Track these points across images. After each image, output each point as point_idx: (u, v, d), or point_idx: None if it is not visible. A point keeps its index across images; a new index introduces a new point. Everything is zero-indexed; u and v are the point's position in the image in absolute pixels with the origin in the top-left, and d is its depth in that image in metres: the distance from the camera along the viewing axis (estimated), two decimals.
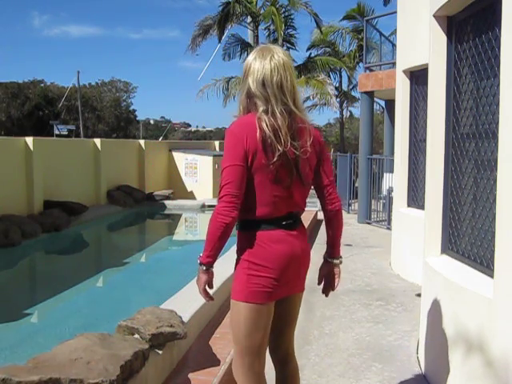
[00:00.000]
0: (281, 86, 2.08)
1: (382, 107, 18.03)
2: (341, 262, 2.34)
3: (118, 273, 6.61)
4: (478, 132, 3.05)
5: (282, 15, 16.06)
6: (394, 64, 8.49)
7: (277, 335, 2.29)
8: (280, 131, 2.04)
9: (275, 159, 2.02)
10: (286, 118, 2.07)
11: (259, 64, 2.10)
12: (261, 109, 2.08)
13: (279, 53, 2.13)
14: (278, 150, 2.02)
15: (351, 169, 11.50)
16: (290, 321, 2.30)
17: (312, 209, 8.96)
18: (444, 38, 3.39)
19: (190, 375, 2.99)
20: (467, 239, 3.17)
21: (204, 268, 2.09)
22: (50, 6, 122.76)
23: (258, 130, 2.04)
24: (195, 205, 11.81)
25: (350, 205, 11.60)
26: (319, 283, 2.37)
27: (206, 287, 2.13)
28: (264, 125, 2.04)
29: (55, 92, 39.95)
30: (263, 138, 2.03)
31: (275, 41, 16.32)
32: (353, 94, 21.45)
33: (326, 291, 2.38)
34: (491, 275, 2.64)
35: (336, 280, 2.32)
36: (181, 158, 13.80)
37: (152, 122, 69.46)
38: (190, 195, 13.47)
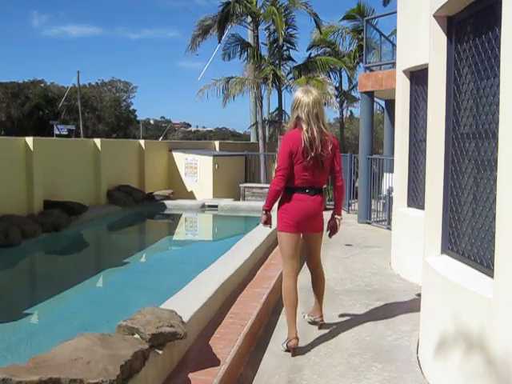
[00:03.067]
0: (316, 115, 3.65)
1: (382, 107, 18.01)
2: (341, 219, 3.98)
3: (118, 273, 6.61)
4: (478, 132, 3.05)
5: (283, 15, 16.01)
6: (393, 64, 8.49)
7: (309, 255, 4.06)
8: (315, 141, 3.60)
9: (307, 160, 3.61)
10: (319, 133, 3.63)
11: (306, 100, 3.64)
12: (304, 128, 3.62)
13: (315, 93, 3.73)
14: (310, 154, 3.60)
15: (351, 169, 11.49)
16: (312, 248, 4.01)
17: None
18: (444, 37, 3.39)
19: (190, 375, 2.99)
20: (467, 239, 3.17)
21: (264, 212, 3.85)
22: (49, 6, 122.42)
23: (301, 141, 3.59)
24: (195, 205, 11.80)
25: (350, 205, 11.59)
26: (327, 230, 4.01)
27: (264, 224, 3.94)
28: (305, 138, 3.59)
29: (55, 92, 39.99)
30: (303, 145, 3.59)
31: (275, 41, 16.31)
32: (353, 94, 21.41)
33: (330, 235, 4.04)
34: (491, 275, 2.64)
35: (338, 228, 3.99)
36: (181, 158, 13.80)
37: (152, 122, 69.36)
38: (190, 195, 13.47)
